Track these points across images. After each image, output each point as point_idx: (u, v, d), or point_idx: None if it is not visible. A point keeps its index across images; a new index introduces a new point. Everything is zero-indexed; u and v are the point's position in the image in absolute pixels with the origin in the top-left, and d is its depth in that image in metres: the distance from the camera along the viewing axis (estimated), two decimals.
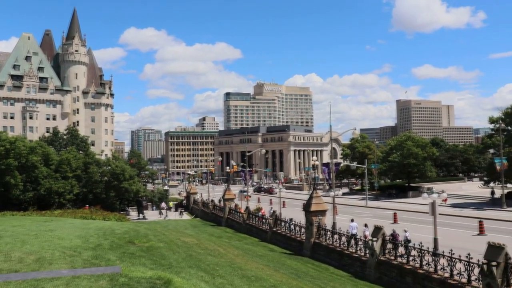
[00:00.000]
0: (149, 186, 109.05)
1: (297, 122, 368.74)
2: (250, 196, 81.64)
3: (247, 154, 78.35)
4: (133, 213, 77.02)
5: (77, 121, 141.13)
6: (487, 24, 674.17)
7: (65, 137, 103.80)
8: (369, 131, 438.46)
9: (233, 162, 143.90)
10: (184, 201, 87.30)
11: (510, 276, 18.22)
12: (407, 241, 27.42)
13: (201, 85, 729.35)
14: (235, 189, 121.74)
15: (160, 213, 74.53)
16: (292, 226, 38.86)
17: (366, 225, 38.86)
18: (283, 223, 40.84)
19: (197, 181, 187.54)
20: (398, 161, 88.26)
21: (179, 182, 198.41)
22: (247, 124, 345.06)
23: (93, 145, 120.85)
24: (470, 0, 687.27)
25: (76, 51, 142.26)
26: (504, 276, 18.18)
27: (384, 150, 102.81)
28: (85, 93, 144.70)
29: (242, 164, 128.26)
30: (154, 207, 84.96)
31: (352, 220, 40.02)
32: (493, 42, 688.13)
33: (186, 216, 73.00)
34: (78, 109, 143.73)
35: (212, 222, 62.03)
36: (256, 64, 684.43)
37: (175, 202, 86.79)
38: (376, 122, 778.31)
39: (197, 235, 38.12)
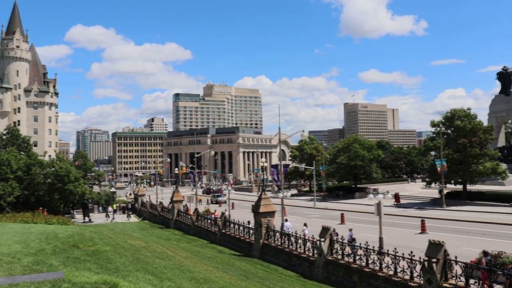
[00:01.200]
0: (96, 188, 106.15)
1: (246, 124, 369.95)
2: (200, 199, 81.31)
3: (196, 155, 77.70)
4: (78, 216, 74.78)
5: (18, 121, 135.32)
6: (429, 32, 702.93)
7: (4, 137, 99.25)
8: (317, 133, 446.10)
9: (182, 164, 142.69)
10: (129, 205, 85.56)
11: (448, 272, 19.07)
12: (352, 240, 28.10)
13: (150, 86, 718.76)
14: (184, 191, 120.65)
15: (107, 215, 72.76)
16: (242, 228, 38.93)
17: (305, 225, 40.21)
18: (232, 225, 40.83)
19: (145, 183, 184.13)
20: (345, 163, 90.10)
21: (127, 184, 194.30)
22: (197, 126, 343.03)
23: (35, 145, 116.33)
24: (413, 9, 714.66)
25: (17, 46, 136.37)
26: (443, 272, 19.00)
27: (332, 152, 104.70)
28: (27, 91, 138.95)
29: (191, 165, 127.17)
30: (101, 209, 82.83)
31: (286, 220, 41.09)
32: (434, 50, 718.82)
33: (133, 219, 71.65)
34: (19, 108, 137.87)
35: (161, 224, 61.16)
36: (206, 65, 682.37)
37: (117, 204, 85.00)
38: (324, 125, 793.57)
39: (145, 238, 37.45)
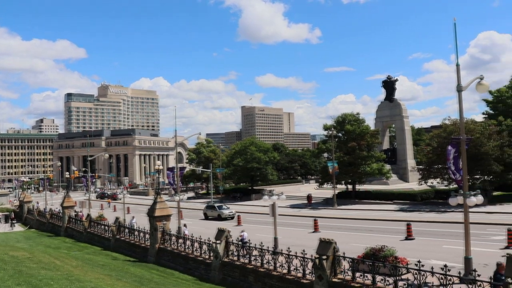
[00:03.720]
0: None
1: (143, 126, 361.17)
2: (90, 205, 77.57)
3: (89, 158, 74.28)
4: None
5: None
6: (323, 40, 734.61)
7: None
8: (215, 136, 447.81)
9: (74, 168, 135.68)
10: (11, 213, 79.48)
11: (337, 267, 20.12)
12: (243, 241, 28.61)
13: (39, 84, 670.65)
14: (76, 196, 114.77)
15: None
16: (136, 233, 37.87)
17: (185, 225, 41.92)
18: (127, 230, 39.59)
19: (33, 188, 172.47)
20: (242, 165, 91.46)
21: (11, 190, 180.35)
22: (90, 127, 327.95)
23: None
24: (308, 18, 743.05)
25: None
26: (332, 268, 20.00)
27: (228, 154, 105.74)
28: None
29: (84, 169, 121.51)
30: None
31: (133, 218, 45.26)
32: (327, 57, 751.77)
33: (18, 228, 66.67)
34: None
35: (50, 232, 57.56)
36: (101, 65, 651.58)
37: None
38: (222, 127, 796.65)
39: (30, 248, 35.01)
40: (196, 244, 29.49)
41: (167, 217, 33.99)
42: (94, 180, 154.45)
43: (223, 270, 26.32)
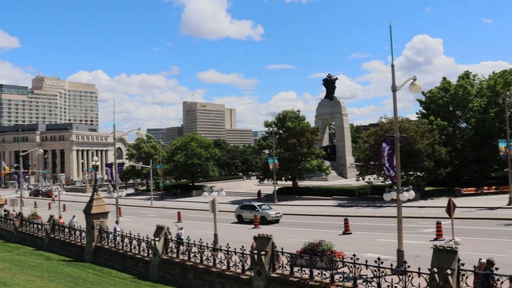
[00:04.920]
0: None
1: (81, 121, 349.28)
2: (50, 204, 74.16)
3: (21, 154, 70.73)
4: None
5: None
6: (265, 38, 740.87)
7: None
8: (156, 131, 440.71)
9: (4, 164, 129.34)
10: None
11: (276, 262, 20.38)
12: (180, 238, 28.41)
13: None
14: (7, 193, 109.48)
15: None
16: (72, 231, 36.61)
17: (117, 222, 40.67)
18: (62, 228, 38.18)
19: None
20: (183, 161, 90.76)
21: None
22: (24, 121, 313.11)
23: None
24: (251, 15, 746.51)
25: None
26: (271, 263, 20.23)
27: (169, 150, 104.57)
28: None
29: (16, 165, 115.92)
30: None
31: (74, 217, 44.05)
32: (269, 55, 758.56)
33: None
34: None
35: None
36: (36, 56, 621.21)
37: None
38: (163, 123, 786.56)
39: None
40: (134, 242, 28.90)
41: (104, 214, 33.11)
42: (27, 176, 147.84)
43: (162, 268, 25.97)
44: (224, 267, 22.40)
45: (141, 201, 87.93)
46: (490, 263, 15.91)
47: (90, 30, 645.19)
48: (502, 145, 52.32)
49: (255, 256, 20.20)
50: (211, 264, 23.24)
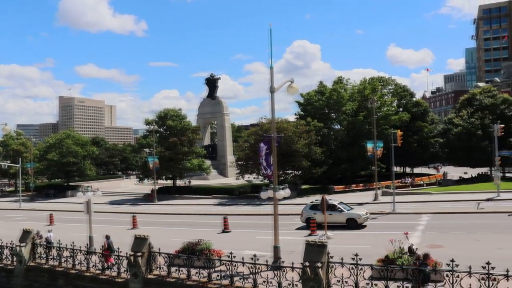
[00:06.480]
0: None
1: None
2: None
3: None
4: None
5: None
6: (148, 34, 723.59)
7: None
8: (27, 127, 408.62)
9: None
10: None
11: (153, 263, 20.00)
12: (49, 242, 26.68)
13: None
14: None
15: None
16: None
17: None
18: None
19: None
20: (57, 160, 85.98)
21: None
22: None
23: None
24: (134, 9, 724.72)
25: None
26: (147, 264, 19.82)
27: (42, 148, 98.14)
28: None
29: None
30: None
31: None
32: (152, 52, 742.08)
33: None
34: None
35: None
36: None
37: None
38: (36, 118, 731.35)
39: None
40: None
41: None
42: None
43: (29, 276, 24.14)
44: (99, 271, 21.48)
45: (7, 203, 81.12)
46: (426, 256, 16.63)
47: None
48: (370, 146, 56.90)
49: (131, 258, 19.63)
50: (84, 268, 22.20)
